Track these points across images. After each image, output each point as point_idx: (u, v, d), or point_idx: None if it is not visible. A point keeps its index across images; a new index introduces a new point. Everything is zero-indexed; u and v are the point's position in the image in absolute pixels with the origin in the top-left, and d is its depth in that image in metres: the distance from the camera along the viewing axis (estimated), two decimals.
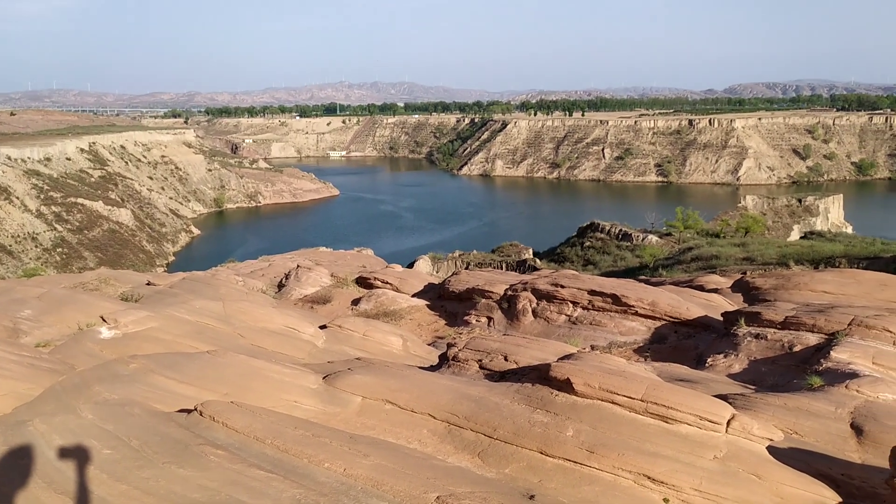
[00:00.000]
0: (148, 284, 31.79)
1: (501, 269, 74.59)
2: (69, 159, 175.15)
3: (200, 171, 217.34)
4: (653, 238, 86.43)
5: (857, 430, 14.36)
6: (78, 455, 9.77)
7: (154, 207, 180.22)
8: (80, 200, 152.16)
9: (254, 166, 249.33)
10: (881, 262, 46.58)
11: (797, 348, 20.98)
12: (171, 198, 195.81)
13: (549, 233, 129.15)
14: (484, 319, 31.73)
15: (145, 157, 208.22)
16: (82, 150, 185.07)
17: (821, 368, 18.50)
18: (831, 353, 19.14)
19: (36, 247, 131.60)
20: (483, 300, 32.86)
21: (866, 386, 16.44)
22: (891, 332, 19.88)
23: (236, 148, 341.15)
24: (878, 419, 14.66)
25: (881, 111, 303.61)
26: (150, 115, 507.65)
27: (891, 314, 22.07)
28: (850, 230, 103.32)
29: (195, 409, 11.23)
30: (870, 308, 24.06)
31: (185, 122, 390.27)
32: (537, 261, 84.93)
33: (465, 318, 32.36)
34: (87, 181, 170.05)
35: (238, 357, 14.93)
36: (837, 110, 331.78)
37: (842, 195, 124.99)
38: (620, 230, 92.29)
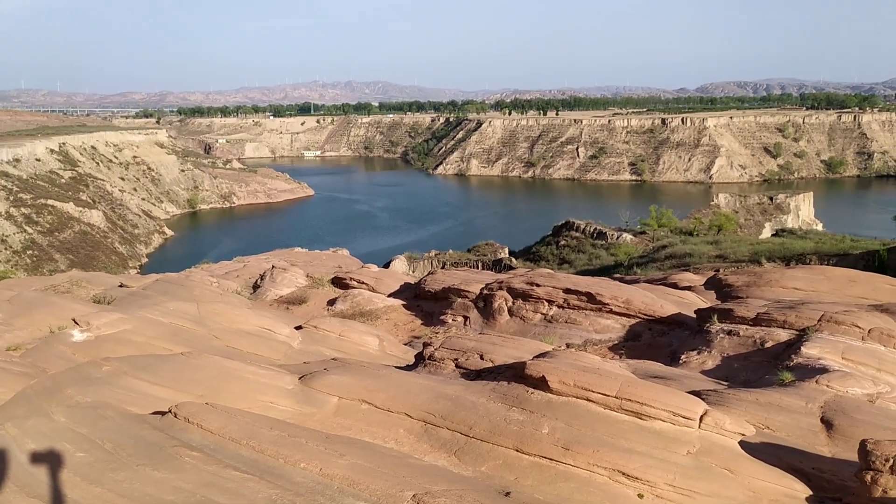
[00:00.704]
0: (121, 286, 31.44)
1: (477, 268, 74.78)
2: (39, 160, 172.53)
3: (173, 171, 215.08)
4: (627, 236, 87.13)
5: (828, 424, 14.60)
6: (51, 458, 9.67)
7: (126, 208, 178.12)
8: (50, 202, 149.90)
9: (227, 166, 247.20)
10: (850, 259, 47.43)
11: (769, 344, 21.29)
12: (143, 199, 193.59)
13: (525, 232, 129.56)
14: (460, 319, 31.80)
15: (117, 157, 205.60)
16: (52, 150, 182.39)
17: (792, 364, 18.79)
18: (802, 348, 19.44)
19: (5, 249, 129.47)
20: (459, 299, 32.92)
21: (836, 381, 16.74)
22: (859, 327, 20.23)
23: (209, 148, 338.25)
24: (848, 413, 14.93)
25: (849, 110, 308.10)
26: (122, 115, 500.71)
27: (860, 310, 22.48)
28: (820, 227, 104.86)
29: (169, 411, 11.16)
30: (839, 304, 24.50)
31: (157, 122, 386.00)
32: (513, 260, 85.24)
33: (442, 317, 32.40)
34: (58, 182, 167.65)
35: (213, 358, 14.84)
36: (807, 109, 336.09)
37: (812, 193, 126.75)
38: (595, 229, 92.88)
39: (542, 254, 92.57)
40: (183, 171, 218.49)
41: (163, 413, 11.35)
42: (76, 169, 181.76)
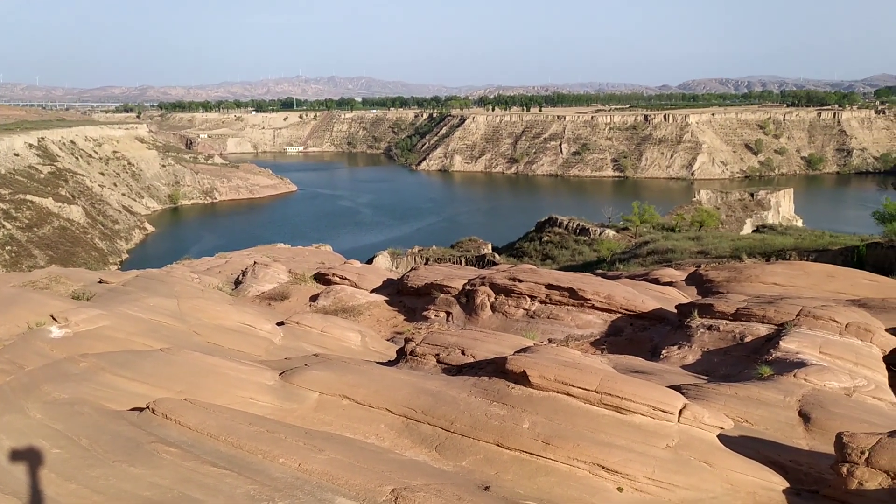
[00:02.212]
0: (100, 283, 31.13)
1: (460, 264, 74.77)
2: (17, 155, 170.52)
3: (154, 166, 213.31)
4: (610, 232, 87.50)
5: (805, 417, 14.75)
6: (27, 455, 9.57)
7: (106, 204, 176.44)
8: (29, 197, 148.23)
9: (209, 162, 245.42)
10: (829, 255, 47.92)
11: (748, 339, 21.44)
12: (123, 194, 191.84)
13: (508, 228, 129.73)
14: (443, 314, 31.79)
15: (96, 152, 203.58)
16: (31, 145, 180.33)
17: (770, 358, 18.93)
18: (780, 343, 19.59)
19: None
20: (442, 295, 32.91)
21: (813, 375, 16.89)
22: (837, 321, 20.42)
23: (191, 143, 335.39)
24: (825, 407, 15.08)
25: (829, 107, 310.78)
26: (101, 109, 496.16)
27: (837, 305, 22.70)
28: (800, 223, 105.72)
29: (147, 407, 11.07)
30: (818, 299, 24.72)
31: (138, 117, 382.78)
32: (496, 256, 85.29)
33: (424, 313, 32.38)
34: (37, 177, 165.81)
35: (192, 354, 14.75)
36: (787, 106, 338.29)
37: (792, 189, 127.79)
38: (578, 225, 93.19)
39: (525, 250, 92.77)
40: (164, 166, 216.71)
41: (141, 409, 11.26)
42: (55, 164, 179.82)
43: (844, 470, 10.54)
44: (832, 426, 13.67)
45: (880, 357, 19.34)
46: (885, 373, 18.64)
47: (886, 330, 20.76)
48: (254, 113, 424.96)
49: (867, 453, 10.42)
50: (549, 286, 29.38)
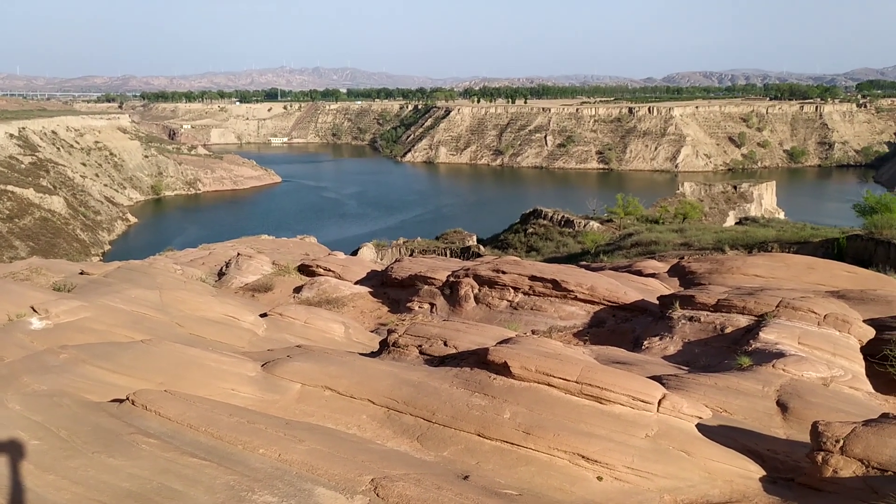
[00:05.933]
0: (81, 274, 30.88)
1: (445, 255, 74.81)
2: None
3: (136, 157, 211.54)
4: (594, 224, 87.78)
5: (783, 407, 14.94)
6: (5, 447, 9.51)
7: (88, 195, 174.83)
8: (9, 188, 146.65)
9: (192, 153, 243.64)
10: (810, 247, 48.37)
11: (728, 330, 21.63)
12: (105, 185, 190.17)
13: (493, 220, 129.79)
14: (426, 306, 31.82)
15: (78, 142, 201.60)
16: (11, 135, 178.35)
17: (750, 349, 19.13)
18: (760, 333, 19.79)
19: None
20: (426, 287, 32.93)
21: (792, 365, 17.09)
22: (816, 313, 20.65)
23: (174, 134, 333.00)
24: (803, 396, 15.28)
25: (811, 100, 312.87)
26: (83, 99, 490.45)
27: (816, 296, 22.94)
28: (782, 216, 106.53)
29: (127, 399, 11.04)
30: (797, 290, 24.94)
31: (120, 107, 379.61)
32: (481, 247, 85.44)
33: (408, 304, 32.39)
34: (17, 168, 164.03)
35: (174, 346, 14.70)
36: (770, 99, 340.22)
37: (774, 182, 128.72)
38: (563, 217, 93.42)
39: (510, 241, 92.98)
40: (147, 156, 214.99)
41: (121, 401, 11.21)
42: (36, 154, 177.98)
43: (819, 458, 10.69)
44: (809, 415, 13.85)
45: (857, 347, 19.60)
46: (862, 363, 18.89)
47: (864, 321, 21.02)
48: (238, 104, 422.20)
49: (842, 442, 10.58)
50: (533, 278, 29.48)
